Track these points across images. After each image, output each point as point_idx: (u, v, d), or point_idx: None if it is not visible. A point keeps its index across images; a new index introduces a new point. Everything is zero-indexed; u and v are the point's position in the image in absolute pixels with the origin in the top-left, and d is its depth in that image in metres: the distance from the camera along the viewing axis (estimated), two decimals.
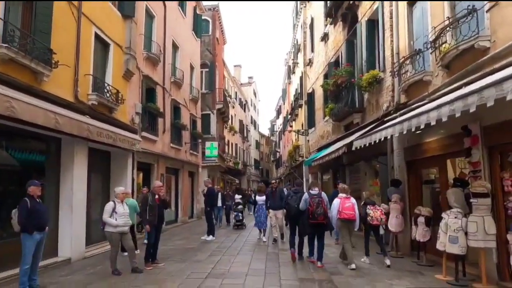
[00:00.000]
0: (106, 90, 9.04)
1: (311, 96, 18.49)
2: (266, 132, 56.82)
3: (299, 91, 22.38)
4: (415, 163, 7.88)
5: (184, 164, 15.77)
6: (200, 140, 17.55)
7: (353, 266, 6.28)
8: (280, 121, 41.53)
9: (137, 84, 11.24)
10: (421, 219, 6.73)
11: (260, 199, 10.07)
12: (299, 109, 22.84)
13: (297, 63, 23.23)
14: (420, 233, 6.69)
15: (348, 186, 7.43)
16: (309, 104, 19.09)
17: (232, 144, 31.00)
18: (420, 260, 6.85)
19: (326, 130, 15.30)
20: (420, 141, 7.39)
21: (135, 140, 10.01)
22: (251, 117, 46.13)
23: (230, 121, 30.23)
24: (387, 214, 7.77)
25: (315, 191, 6.71)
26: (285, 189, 11.57)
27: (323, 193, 6.81)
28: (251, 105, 47.06)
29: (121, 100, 9.57)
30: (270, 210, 9.18)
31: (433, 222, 6.60)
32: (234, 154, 31.06)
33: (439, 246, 5.61)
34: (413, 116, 5.61)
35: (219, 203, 13.37)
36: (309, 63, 18.83)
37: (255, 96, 51.81)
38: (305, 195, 6.73)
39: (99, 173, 9.81)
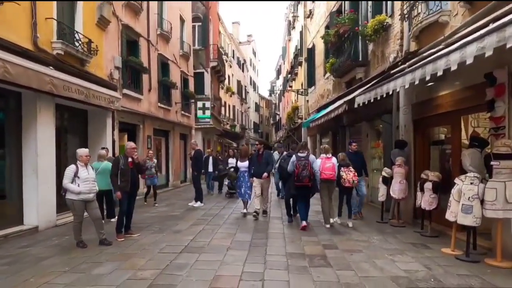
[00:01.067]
0: (75, 39, 7.94)
1: (311, 52, 17.17)
2: (267, 94, 55.29)
3: (299, 48, 20.94)
4: (424, 121, 6.94)
5: (175, 126, 14.88)
6: (192, 101, 16.52)
7: (328, 225, 6.72)
8: (280, 82, 40.02)
9: (115, 34, 10.05)
10: (428, 185, 5.93)
11: (243, 165, 8.08)
12: (299, 67, 21.53)
13: (297, 16, 21.57)
14: (426, 200, 5.92)
15: (330, 147, 7.44)
16: (309, 61, 17.81)
17: (229, 106, 29.88)
18: (424, 230, 6.14)
19: (326, 88, 14.22)
20: (430, 95, 6.41)
21: (114, 97, 9.04)
22: (250, 78, 44.51)
23: (227, 81, 28.91)
24: (390, 178, 7.05)
25: (303, 153, 6.62)
26: (276, 152, 10.22)
27: (311, 155, 6.71)
28: (250, 65, 45.24)
29: (95, 51, 8.48)
30: (254, 179, 7.58)
31: (441, 188, 5.83)
32: (231, 117, 30.05)
33: (449, 216, 4.83)
34: (429, 62, 4.60)
35: (210, 168, 12.15)
36: (310, 15, 17.29)
37: (255, 56, 49.74)
38: (293, 157, 6.70)
39: (75, 134, 8.96)
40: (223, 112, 27.25)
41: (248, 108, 41.43)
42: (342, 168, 6.83)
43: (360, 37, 9.50)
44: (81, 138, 9.20)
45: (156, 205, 9.61)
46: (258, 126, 48.57)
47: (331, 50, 11.80)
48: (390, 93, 5.88)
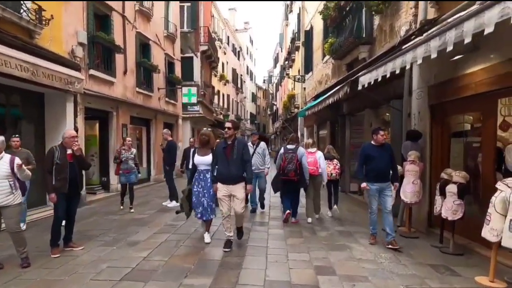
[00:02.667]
0: (20, 4, 6.54)
1: (309, 34, 15.72)
2: (264, 85, 53.72)
3: (296, 31, 19.46)
4: (443, 107, 5.60)
5: (158, 114, 13.49)
6: (179, 87, 15.08)
7: (309, 220, 6.57)
8: (277, 70, 38.50)
9: (79, 5, 8.60)
10: (451, 188, 4.62)
11: (203, 160, 4.94)
12: (296, 53, 20.10)
13: None
14: (448, 207, 4.62)
15: (314, 140, 7.62)
16: (306, 45, 16.37)
17: (223, 94, 28.42)
18: (445, 244, 4.85)
19: (324, 73, 12.83)
20: (454, 73, 5.06)
21: (74, 77, 7.65)
22: (247, 66, 42.93)
23: (220, 68, 27.40)
24: (400, 177, 5.71)
25: (292, 145, 6.32)
26: (250, 143, 7.05)
27: (300, 148, 6.35)
28: (247, 53, 43.62)
29: (47, 21, 7.06)
30: (219, 185, 4.70)
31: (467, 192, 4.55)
32: (225, 106, 28.62)
33: (488, 234, 3.52)
34: (453, 26, 3.27)
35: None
36: None
37: (252, 44, 48.04)
38: (281, 150, 6.53)
39: (29, 121, 7.63)
40: (216, 101, 25.81)
41: (245, 98, 39.94)
42: (325, 160, 6.82)
43: (364, 9, 8.12)
44: (37, 126, 7.84)
45: (132, 211, 7.49)
46: (255, 117, 47.15)
47: (330, 27, 10.40)
48: (408, 67, 4.51)
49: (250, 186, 4.82)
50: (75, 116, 8.27)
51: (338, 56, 10.04)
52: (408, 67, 4.51)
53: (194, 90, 13.68)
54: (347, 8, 8.74)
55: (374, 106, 8.47)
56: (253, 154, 6.80)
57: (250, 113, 44.62)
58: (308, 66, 16.14)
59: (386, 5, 7.10)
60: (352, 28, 8.47)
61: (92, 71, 8.97)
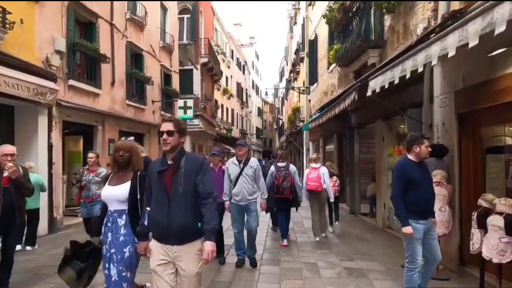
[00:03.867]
0: None
1: (313, 44, 14.86)
2: (270, 98, 53.07)
3: (300, 42, 18.69)
4: (476, 116, 4.54)
5: (152, 128, 12.61)
6: (175, 100, 14.25)
7: (317, 238, 6.47)
8: (283, 84, 37.75)
9: (58, 10, 7.86)
10: (495, 220, 3.51)
11: (114, 195, 2.74)
12: (301, 64, 19.27)
13: (299, 8, 19.38)
14: (492, 245, 3.49)
15: (318, 155, 7.00)
16: (311, 55, 15.51)
17: (227, 109, 27.65)
18: None
19: (330, 83, 11.88)
20: (491, 74, 4.02)
21: (46, 88, 6.82)
22: (253, 81, 42.38)
23: (224, 82, 26.74)
24: None
25: (282, 163, 6.11)
26: (232, 162, 4.96)
27: (291, 165, 6.14)
28: (253, 68, 43.15)
29: (11, 24, 6.26)
30: (151, 243, 2.49)
31: None
32: (229, 121, 27.79)
33: None
34: (488, 9, 2.31)
35: None
36: (311, 2, 15.01)
37: (258, 59, 47.67)
38: (272, 168, 6.20)
39: None
40: (219, 115, 25.02)
41: (250, 112, 39.18)
42: None
43: (373, 9, 7.19)
44: (5, 141, 6.95)
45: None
46: (261, 131, 46.27)
47: (336, 31, 9.48)
48: (434, 62, 3.48)
49: (210, 247, 2.30)
50: (49, 130, 7.39)
51: (345, 63, 9.08)
52: (434, 62, 3.47)
53: (190, 102, 12.82)
54: (353, 9, 7.83)
55: (387, 117, 7.42)
56: (238, 177, 4.81)
57: (256, 127, 43.77)
58: (313, 77, 15.23)
59: (398, 2, 6.15)
60: (360, 31, 7.52)
61: (72, 82, 8.14)
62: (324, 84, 12.87)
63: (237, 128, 31.33)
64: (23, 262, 4.91)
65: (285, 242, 6.13)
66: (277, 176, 5.87)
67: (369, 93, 5.08)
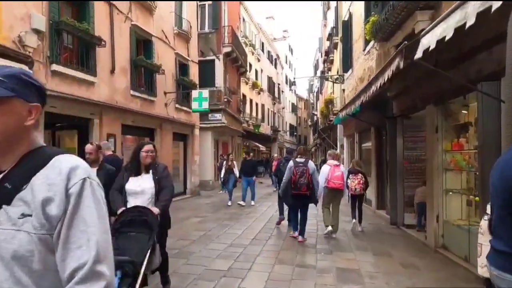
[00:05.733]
0: None
1: (347, 25, 12.90)
2: (305, 94, 50.89)
3: (334, 26, 16.71)
4: None
5: (164, 123, 11.40)
6: (190, 91, 12.93)
7: (326, 230, 6.45)
8: (317, 78, 35.57)
9: None
10: None
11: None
12: (334, 51, 17.28)
13: None
14: None
15: (337, 153, 7.09)
16: (344, 39, 13.54)
17: (256, 104, 26.16)
18: None
19: (367, 67, 9.93)
20: None
21: None
22: (286, 76, 40.54)
23: (253, 76, 25.28)
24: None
25: (301, 159, 6.05)
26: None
27: (310, 161, 6.06)
28: (286, 62, 41.34)
29: None
30: None
31: None
32: (259, 117, 26.29)
33: None
34: None
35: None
36: None
37: (291, 53, 45.73)
38: (290, 163, 6.14)
39: None
40: (248, 111, 23.61)
41: (283, 108, 37.43)
42: (350, 175, 6.75)
43: None
44: None
45: None
46: (295, 128, 44.34)
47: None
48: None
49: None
50: None
51: (384, 35, 7.19)
52: None
53: (205, 93, 11.42)
54: None
55: (441, 100, 5.47)
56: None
57: (290, 124, 41.94)
58: (346, 63, 13.27)
59: None
60: None
61: (56, 67, 7.01)
62: (360, 69, 10.92)
63: (268, 124, 29.75)
64: None
65: (300, 238, 6.16)
66: (295, 171, 5.84)
67: (419, 53, 3.30)
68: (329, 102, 17.18)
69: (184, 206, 10.71)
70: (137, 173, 3.43)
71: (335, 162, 6.40)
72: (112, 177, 3.77)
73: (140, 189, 3.36)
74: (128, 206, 3.28)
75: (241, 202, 10.23)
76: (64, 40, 7.41)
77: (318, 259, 5.26)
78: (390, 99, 7.42)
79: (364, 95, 6.20)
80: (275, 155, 15.13)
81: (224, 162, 11.48)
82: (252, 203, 10.38)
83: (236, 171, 10.87)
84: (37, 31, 6.58)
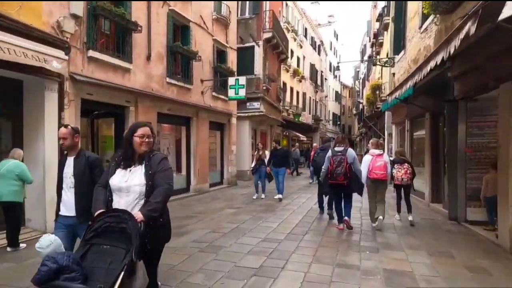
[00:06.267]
0: None
1: (401, 2, 11.70)
2: (350, 82, 48.76)
3: (385, 4, 15.39)
4: None
5: (200, 111, 11.18)
6: (227, 78, 12.58)
7: (373, 224, 6.20)
8: (364, 65, 33.70)
9: None
10: None
11: None
12: (384, 33, 16.00)
13: None
14: None
15: (380, 141, 6.84)
16: (397, 17, 12.35)
17: (297, 92, 25.32)
18: None
19: (423, 46, 8.87)
20: None
21: (47, 55, 5.60)
22: (330, 63, 38.95)
23: (295, 63, 24.44)
24: None
25: (340, 147, 5.89)
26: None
27: (349, 150, 5.85)
28: (331, 49, 39.67)
29: None
30: None
31: None
32: (300, 105, 25.45)
33: None
34: None
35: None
36: None
37: (337, 39, 43.80)
38: (329, 152, 5.99)
39: (6, 117, 5.94)
40: (288, 99, 22.91)
41: (326, 97, 36.08)
42: (395, 164, 6.53)
43: None
44: (14, 123, 6.06)
45: None
46: (338, 117, 42.72)
47: None
48: None
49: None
50: (60, 110, 6.27)
51: (448, 6, 6.20)
52: None
53: (242, 80, 10.98)
54: None
55: None
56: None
57: (333, 113, 40.45)
58: (398, 44, 12.08)
59: None
60: None
61: (92, 53, 6.93)
62: (414, 49, 9.82)
63: (309, 113, 28.79)
64: None
65: (341, 225, 6.10)
66: (332, 161, 5.74)
67: (508, 11, 2.53)
68: (376, 88, 15.96)
69: (220, 196, 10.48)
70: (128, 165, 2.64)
71: (378, 151, 6.10)
72: (95, 166, 3.11)
73: (126, 185, 2.57)
74: (114, 207, 2.58)
75: (278, 196, 9.44)
76: (101, 25, 7.33)
77: (362, 258, 4.66)
78: (452, 79, 6.45)
79: (420, 73, 5.39)
80: (315, 144, 14.11)
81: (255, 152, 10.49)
82: (280, 196, 9.41)
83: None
84: (75, 16, 6.52)
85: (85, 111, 7.20)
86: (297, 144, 12.61)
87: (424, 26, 8.75)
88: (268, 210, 8.07)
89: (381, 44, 16.84)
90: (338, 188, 5.90)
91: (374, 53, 19.36)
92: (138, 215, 2.38)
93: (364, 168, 6.06)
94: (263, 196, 9.76)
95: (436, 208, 8.12)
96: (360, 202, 8.92)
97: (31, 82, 5.96)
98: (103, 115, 8.17)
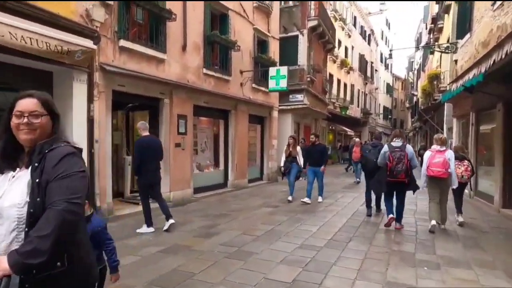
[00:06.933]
0: None
1: None
2: (403, 73, 45.65)
3: None
4: None
5: (239, 104, 10.69)
6: (267, 69, 11.94)
7: (433, 222, 5.66)
8: (419, 54, 31.13)
9: None
10: None
11: None
12: (445, 16, 14.28)
13: None
14: None
15: (445, 136, 6.20)
16: None
17: (344, 84, 23.98)
18: None
19: (496, 26, 7.56)
20: None
21: (73, 44, 5.40)
22: (381, 53, 36.65)
23: (343, 53, 23.14)
24: None
25: (397, 143, 5.59)
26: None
27: (408, 145, 5.60)
28: (382, 38, 37.30)
29: None
30: None
31: None
32: (347, 98, 24.09)
33: None
34: None
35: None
36: None
37: (388, 28, 41.13)
38: (385, 147, 5.68)
39: None
40: (334, 91, 21.75)
41: (376, 89, 34.01)
42: (455, 161, 5.80)
43: None
44: None
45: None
46: (389, 111, 40.22)
47: None
48: None
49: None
50: (90, 101, 6.09)
51: None
52: None
53: (284, 70, 10.25)
54: None
55: None
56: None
57: (384, 106, 38.12)
58: (463, 27, 10.59)
59: None
60: None
61: (124, 42, 6.69)
62: (484, 31, 8.44)
63: (358, 107, 27.24)
64: None
65: (397, 225, 5.81)
66: (391, 157, 5.43)
67: None
68: (434, 78, 14.33)
69: (258, 192, 9.94)
70: (10, 167, 1.49)
71: (439, 147, 5.65)
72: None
73: None
74: None
75: (306, 199, 8.02)
76: (132, 14, 7.08)
77: (419, 276, 3.85)
78: None
79: (494, 56, 4.36)
80: (356, 139, 12.83)
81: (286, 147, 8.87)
82: (320, 199, 8.29)
83: (300, 160, 8.43)
84: (105, 4, 6.28)
85: (117, 104, 7.02)
86: (357, 139, 11.77)
87: (497, 4, 7.42)
88: (308, 210, 7.37)
89: (440, 30, 15.08)
90: (397, 186, 5.61)
91: (432, 39, 17.50)
92: (2, 264, 1.26)
93: (424, 165, 5.72)
94: (290, 198, 8.38)
95: (509, 215, 6.95)
96: (414, 205, 7.91)
97: (60, 73, 5.81)
98: (138, 107, 7.98)
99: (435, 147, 5.73)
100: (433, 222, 5.65)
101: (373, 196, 6.99)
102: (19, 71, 5.40)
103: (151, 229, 5.55)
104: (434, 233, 5.56)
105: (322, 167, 8.23)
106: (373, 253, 4.62)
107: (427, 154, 5.79)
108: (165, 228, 5.53)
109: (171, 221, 5.56)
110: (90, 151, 6.05)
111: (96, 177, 6.15)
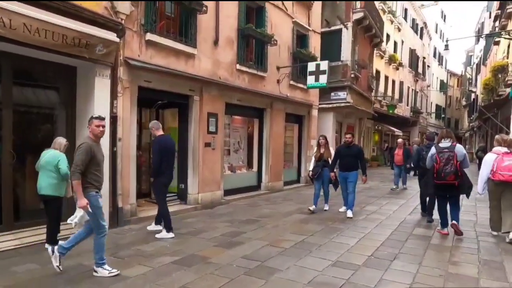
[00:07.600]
0: None
1: None
2: (459, 69, 42.07)
3: None
4: None
5: (275, 102, 10.07)
6: (306, 64, 11.16)
7: (494, 232, 5.43)
8: (480, 46, 28.30)
9: None
10: None
11: None
12: None
13: None
14: None
15: (508, 138, 5.48)
16: None
17: (393, 81, 22.34)
18: None
19: None
20: None
21: (94, 37, 5.15)
22: (434, 48, 33.96)
23: (392, 48, 21.60)
24: None
25: (446, 143, 5.21)
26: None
27: (458, 145, 5.20)
28: (436, 31, 34.57)
29: None
30: None
31: None
32: (396, 96, 22.43)
33: None
34: None
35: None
36: None
37: (444, 21, 38.05)
38: (432, 149, 5.35)
39: (62, 103, 5.77)
40: (381, 89, 20.32)
41: (428, 87, 31.53)
42: None
43: None
44: (68, 109, 5.82)
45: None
46: (443, 110, 37.19)
47: None
48: None
49: None
50: (113, 97, 5.84)
51: None
52: None
53: (324, 65, 9.42)
54: None
55: None
56: None
57: (436, 105, 35.31)
58: None
59: None
60: None
61: (150, 36, 6.39)
62: None
63: (407, 105, 25.33)
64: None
65: (445, 230, 5.51)
66: (438, 159, 5.12)
67: None
68: (500, 70, 12.59)
69: (293, 196, 9.27)
70: None
71: (504, 150, 5.28)
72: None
73: None
74: None
75: (344, 210, 7.04)
76: (160, 6, 6.77)
77: None
78: None
79: None
80: (399, 140, 11.39)
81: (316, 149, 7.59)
82: (326, 207, 7.37)
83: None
84: None
85: (143, 100, 6.76)
86: (400, 140, 10.68)
87: None
88: (347, 220, 6.56)
89: (509, 15, 13.22)
90: (445, 190, 5.27)
91: (497, 28, 15.54)
92: None
93: (484, 168, 5.35)
94: (326, 207, 7.41)
95: None
96: (473, 215, 6.83)
97: (84, 68, 5.62)
98: (167, 105, 7.69)
99: (499, 149, 5.30)
100: (494, 233, 5.41)
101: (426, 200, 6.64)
102: (42, 65, 5.29)
103: (171, 235, 5.16)
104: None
105: (364, 177, 7.00)
106: (423, 277, 3.78)
107: (491, 157, 5.30)
108: (157, 235, 5.17)
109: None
110: (112, 150, 5.80)
111: (119, 177, 5.90)
